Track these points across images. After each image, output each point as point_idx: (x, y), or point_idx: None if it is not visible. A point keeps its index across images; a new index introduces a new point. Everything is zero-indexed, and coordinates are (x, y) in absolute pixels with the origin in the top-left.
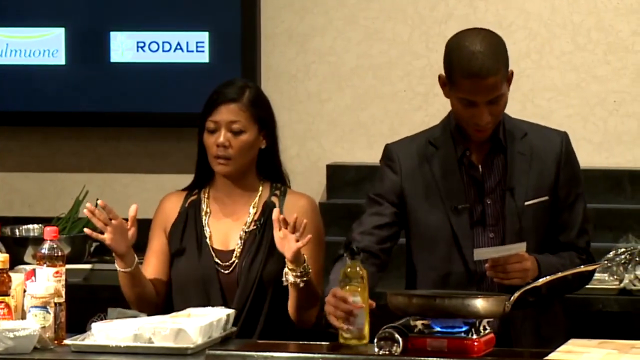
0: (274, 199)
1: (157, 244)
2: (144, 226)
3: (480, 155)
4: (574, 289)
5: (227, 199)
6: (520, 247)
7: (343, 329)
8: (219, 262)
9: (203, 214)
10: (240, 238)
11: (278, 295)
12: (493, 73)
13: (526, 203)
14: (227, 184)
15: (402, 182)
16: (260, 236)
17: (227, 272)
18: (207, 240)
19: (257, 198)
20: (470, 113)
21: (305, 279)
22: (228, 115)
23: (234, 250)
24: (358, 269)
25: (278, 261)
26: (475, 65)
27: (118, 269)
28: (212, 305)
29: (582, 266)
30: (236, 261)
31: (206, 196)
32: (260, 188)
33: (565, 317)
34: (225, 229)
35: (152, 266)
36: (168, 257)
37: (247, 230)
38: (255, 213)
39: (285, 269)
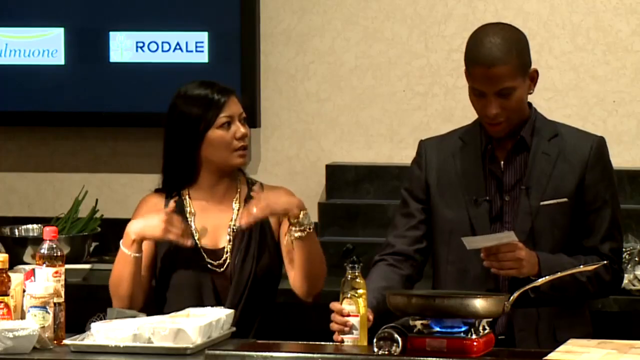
0: (253, 194)
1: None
2: None
3: (504, 152)
4: (591, 294)
5: (210, 197)
6: (509, 236)
7: (337, 340)
8: (210, 261)
9: (188, 215)
10: (229, 235)
11: (273, 290)
12: (500, 63)
13: (542, 203)
14: (212, 182)
15: (427, 177)
16: (248, 233)
17: (220, 270)
18: (197, 241)
19: (237, 193)
20: (481, 104)
21: (310, 229)
22: (237, 107)
23: (224, 247)
24: (357, 278)
25: (269, 256)
26: (482, 54)
27: (130, 253)
28: (206, 306)
29: (581, 266)
30: (228, 259)
31: (188, 197)
32: (239, 182)
33: (592, 325)
34: (213, 228)
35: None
36: (153, 260)
37: (234, 227)
38: (239, 209)
39: (288, 229)
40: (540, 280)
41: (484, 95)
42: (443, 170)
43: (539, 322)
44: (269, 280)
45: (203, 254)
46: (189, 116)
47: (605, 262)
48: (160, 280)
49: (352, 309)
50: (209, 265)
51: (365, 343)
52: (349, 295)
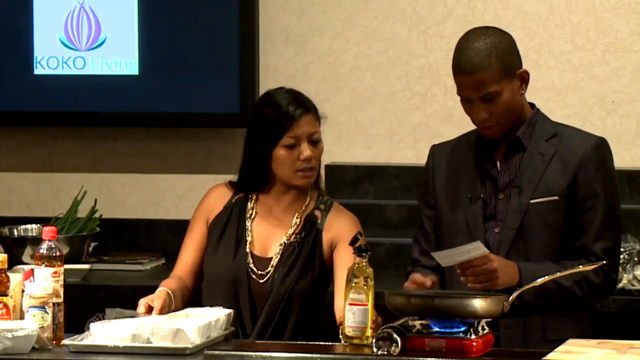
0: (317, 213)
1: (198, 234)
2: (141, 226)
3: (501, 152)
4: (581, 299)
5: (276, 204)
6: (478, 247)
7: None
8: (254, 268)
9: (247, 215)
10: (280, 246)
11: (305, 308)
12: (480, 69)
13: (531, 201)
14: (281, 190)
15: (433, 180)
16: (298, 250)
17: (261, 281)
18: (247, 244)
19: (303, 208)
20: (470, 110)
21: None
22: (309, 127)
23: (271, 258)
24: (365, 267)
25: (310, 278)
26: (461, 61)
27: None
28: (241, 309)
29: (580, 266)
30: (271, 271)
31: (254, 197)
32: (309, 197)
33: (589, 326)
34: (267, 236)
35: (190, 255)
36: (205, 248)
37: (287, 241)
38: (298, 225)
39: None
40: (540, 280)
41: (470, 102)
42: (448, 172)
43: (527, 320)
44: (307, 300)
45: (249, 258)
46: (261, 124)
47: (603, 262)
48: (204, 268)
49: (362, 298)
50: (250, 272)
51: (370, 334)
52: (355, 284)
